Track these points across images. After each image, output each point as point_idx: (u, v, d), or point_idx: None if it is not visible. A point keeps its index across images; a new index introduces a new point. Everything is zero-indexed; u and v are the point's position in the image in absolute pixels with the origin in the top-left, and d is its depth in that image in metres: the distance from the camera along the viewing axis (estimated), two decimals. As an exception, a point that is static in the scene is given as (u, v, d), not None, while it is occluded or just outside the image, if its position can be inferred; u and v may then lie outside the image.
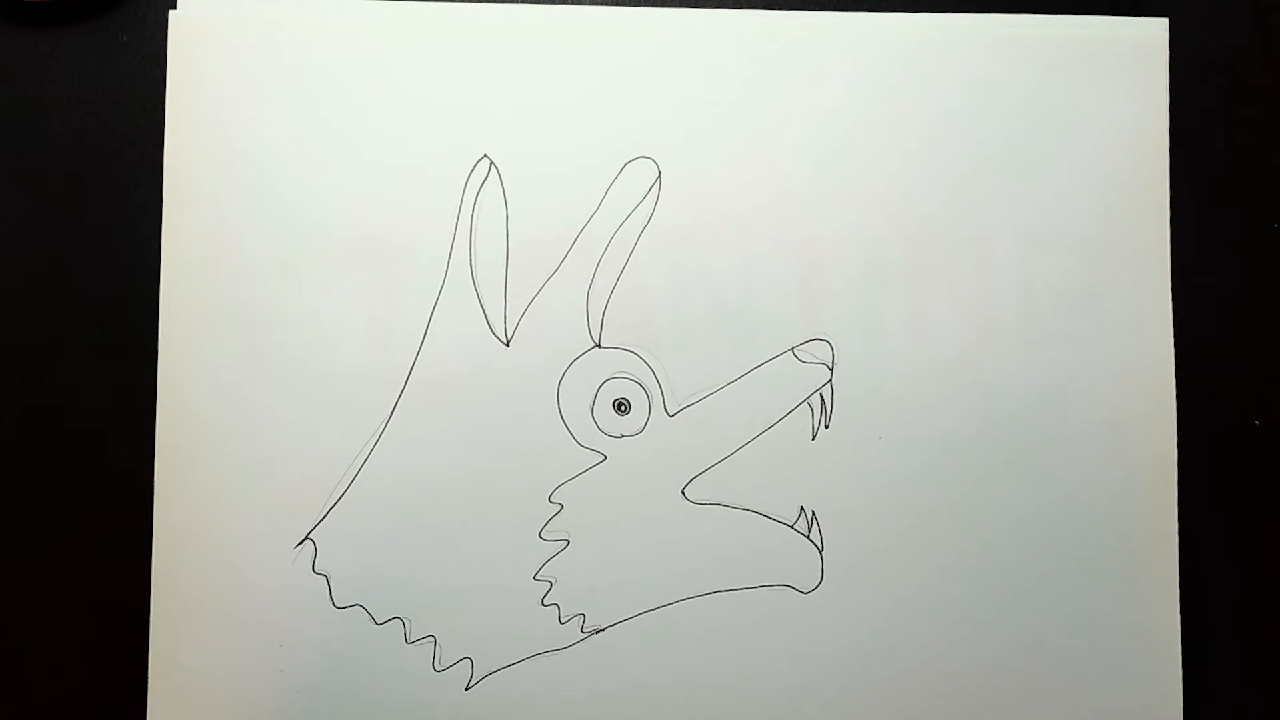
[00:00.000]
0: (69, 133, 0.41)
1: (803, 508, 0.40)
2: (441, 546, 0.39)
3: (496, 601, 0.39)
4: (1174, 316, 0.41)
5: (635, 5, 0.41)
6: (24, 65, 0.41)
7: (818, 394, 0.40)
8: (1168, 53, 0.41)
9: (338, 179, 0.40)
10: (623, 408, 0.40)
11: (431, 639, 0.39)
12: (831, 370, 0.40)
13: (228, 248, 0.40)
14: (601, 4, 0.41)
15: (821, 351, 0.40)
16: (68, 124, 0.41)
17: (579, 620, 0.40)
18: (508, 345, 0.40)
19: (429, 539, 0.39)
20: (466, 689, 0.40)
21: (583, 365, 0.40)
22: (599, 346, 0.40)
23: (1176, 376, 0.40)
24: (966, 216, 0.41)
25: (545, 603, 0.40)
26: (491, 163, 0.40)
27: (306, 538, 0.39)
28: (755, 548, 0.40)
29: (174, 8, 0.40)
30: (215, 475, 0.39)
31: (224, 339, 0.40)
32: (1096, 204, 0.41)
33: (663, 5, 0.41)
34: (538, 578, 0.40)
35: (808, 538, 0.40)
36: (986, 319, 0.40)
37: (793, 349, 0.40)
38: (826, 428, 0.40)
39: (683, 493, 0.40)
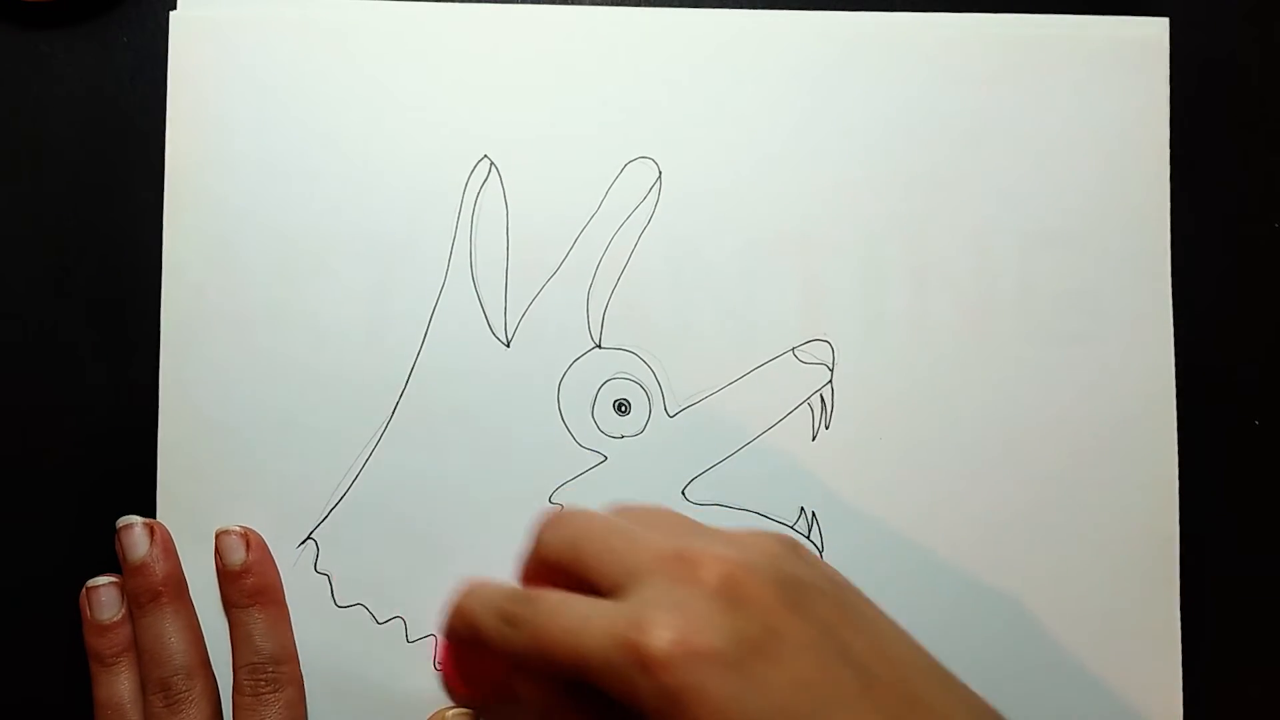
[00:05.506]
0: (69, 133, 0.41)
1: (803, 508, 0.40)
2: (443, 546, 0.40)
3: (497, 601, 0.39)
4: (1174, 316, 0.41)
5: (635, 5, 0.41)
6: (24, 65, 0.41)
7: (818, 394, 0.40)
8: (1168, 53, 0.41)
9: (338, 179, 0.40)
10: (623, 408, 0.40)
11: (433, 638, 0.39)
12: (831, 370, 0.40)
13: (228, 248, 0.40)
14: (601, 4, 0.41)
15: (822, 352, 0.40)
16: (68, 124, 0.41)
17: (579, 620, 0.40)
18: (508, 345, 0.40)
19: (430, 539, 0.40)
20: (467, 688, 0.40)
21: (583, 366, 0.40)
22: (599, 347, 0.40)
23: (1176, 376, 0.40)
24: (966, 216, 0.41)
25: (546, 602, 0.40)
26: (491, 163, 0.40)
27: (308, 538, 0.39)
28: (755, 547, 0.40)
29: (174, 8, 0.40)
30: (217, 475, 0.39)
31: (225, 339, 0.40)
32: (1096, 204, 0.41)
33: (663, 5, 0.41)
34: (538, 578, 0.40)
35: (808, 538, 0.40)
36: (986, 319, 0.40)
37: (793, 349, 0.40)
38: (826, 428, 0.40)
39: (683, 493, 0.40)
